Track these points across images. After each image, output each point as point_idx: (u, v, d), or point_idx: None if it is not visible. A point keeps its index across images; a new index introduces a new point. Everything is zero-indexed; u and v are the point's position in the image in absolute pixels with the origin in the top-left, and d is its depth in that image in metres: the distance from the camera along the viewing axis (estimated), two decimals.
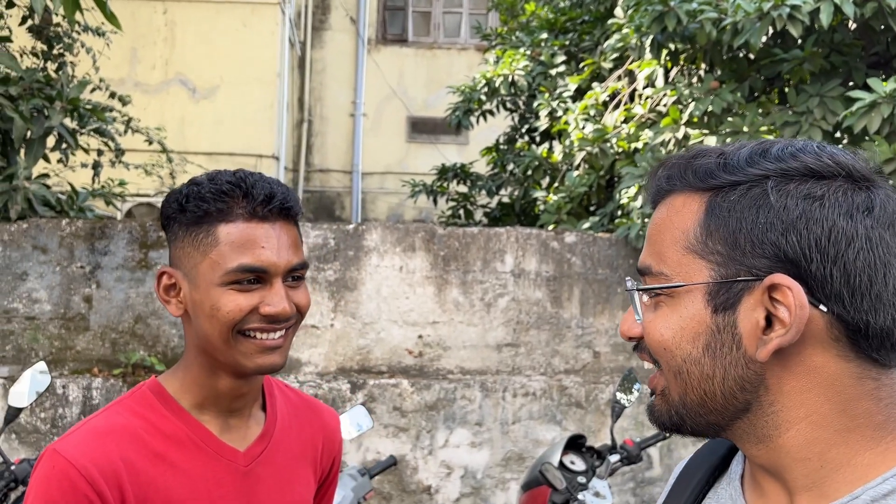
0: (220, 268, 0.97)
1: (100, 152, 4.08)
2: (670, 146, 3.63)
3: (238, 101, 8.18)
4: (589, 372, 3.73)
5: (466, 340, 3.68)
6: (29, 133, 3.58)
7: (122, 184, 4.55)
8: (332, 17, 9.92)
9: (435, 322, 3.66)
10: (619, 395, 2.83)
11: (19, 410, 2.31)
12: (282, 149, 8.76)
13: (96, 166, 4.05)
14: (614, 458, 2.74)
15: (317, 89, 9.84)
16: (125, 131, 4.53)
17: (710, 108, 3.51)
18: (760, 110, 3.59)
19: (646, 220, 3.61)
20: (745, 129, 3.48)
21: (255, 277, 0.98)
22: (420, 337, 3.65)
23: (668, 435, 2.98)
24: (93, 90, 3.96)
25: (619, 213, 4.00)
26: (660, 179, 0.73)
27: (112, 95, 4.05)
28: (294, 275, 1.02)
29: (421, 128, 9.70)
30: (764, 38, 3.75)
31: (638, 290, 0.72)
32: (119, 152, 4.07)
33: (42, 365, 2.34)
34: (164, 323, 3.51)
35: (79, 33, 3.92)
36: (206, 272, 0.98)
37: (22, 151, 3.62)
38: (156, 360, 3.43)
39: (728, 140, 3.53)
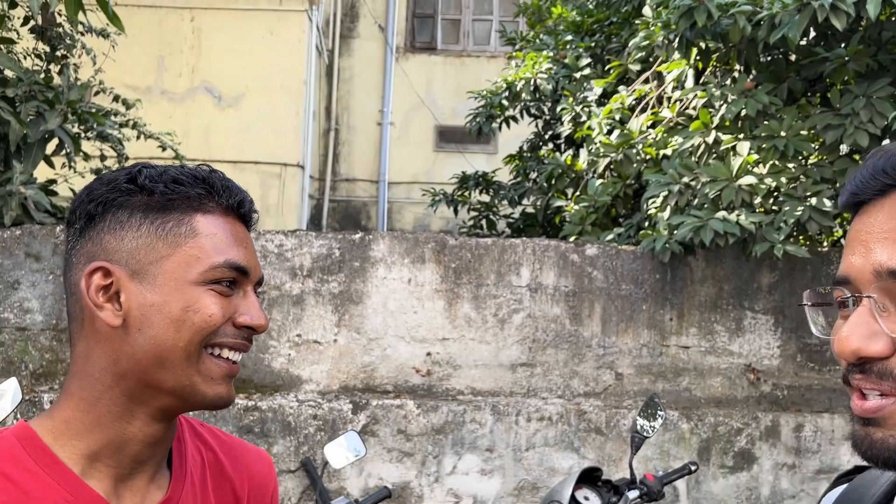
0: (200, 263, 0.81)
1: (103, 157, 3.95)
2: (700, 151, 3.36)
3: (264, 109, 8.09)
4: (610, 395, 3.46)
5: (478, 359, 3.44)
6: (27, 137, 3.46)
7: None
8: (361, 25, 9.82)
9: (444, 339, 3.43)
10: (641, 423, 2.58)
11: None
12: (307, 158, 8.65)
13: (98, 172, 3.92)
14: (633, 493, 2.49)
15: (344, 98, 9.73)
16: (137, 137, 4.41)
17: (743, 111, 3.24)
18: (800, 113, 3.30)
19: (674, 231, 3.33)
20: (783, 133, 3.19)
21: (233, 282, 0.84)
22: (428, 354, 3.42)
23: (694, 469, 2.71)
24: (96, 93, 3.84)
25: (647, 224, 3.74)
26: None
27: (115, 99, 3.93)
28: (258, 289, 0.88)
29: (449, 136, 9.51)
30: (805, 41, 3.47)
31: None
32: (123, 157, 3.94)
33: (13, 381, 2.19)
34: None
35: (82, 34, 3.81)
36: (177, 268, 0.81)
37: (20, 156, 3.50)
38: None
39: (763, 146, 3.25)
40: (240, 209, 0.87)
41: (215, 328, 0.81)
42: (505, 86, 4.71)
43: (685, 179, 3.28)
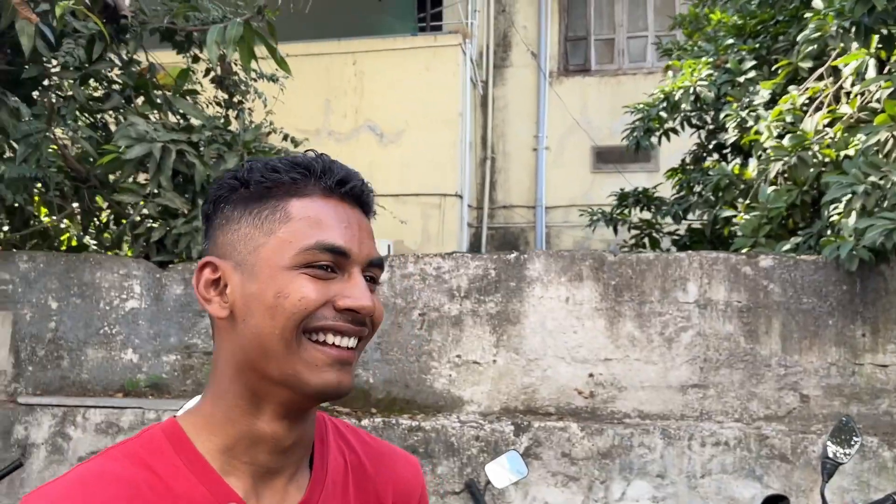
0: (291, 247, 0.78)
1: None
2: (888, 148, 3.03)
3: (423, 142, 8.37)
4: (796, 419, 3.16)
5: (644, 380, 3.28)
6: (210, 177, 3.78)
7: None
8: (514, 54, 9.92)
9: (607, 359, 3.30)
10: (832, 449, 2.33)
11: None
12: (465, 187, 8.81)
13: None
14: None
15: (499, 126, 9.83)
16: None
17: None
18: None
19: (861, 236, 3.02)
20: None
21: (332, 265, 0.79)
22: (591, 375, 3.31)
23: None
24: (268, 134, 4.13)
25: (829, 231, 3.41)
26: None
27: (285, 138, 4.20)
28: (371, 274, 0.83)
29: (606, 157, 9.32)
30: None
31: None
32: None
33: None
34: None
35: (254, 80, 4.13)
36: (272, 255, 0.79)
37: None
38: None
39: None
40: (341, 188, 0.82)
41: (308, 312, 0.77)
42: (662, 97, 4.52)
43: (872, 179, 2.97)
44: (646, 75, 9.47)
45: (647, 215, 5.43)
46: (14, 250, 3.84)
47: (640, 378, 3.27)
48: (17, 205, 3.81)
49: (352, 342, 0.80)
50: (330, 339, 0.78)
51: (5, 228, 4.18)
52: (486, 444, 3.15)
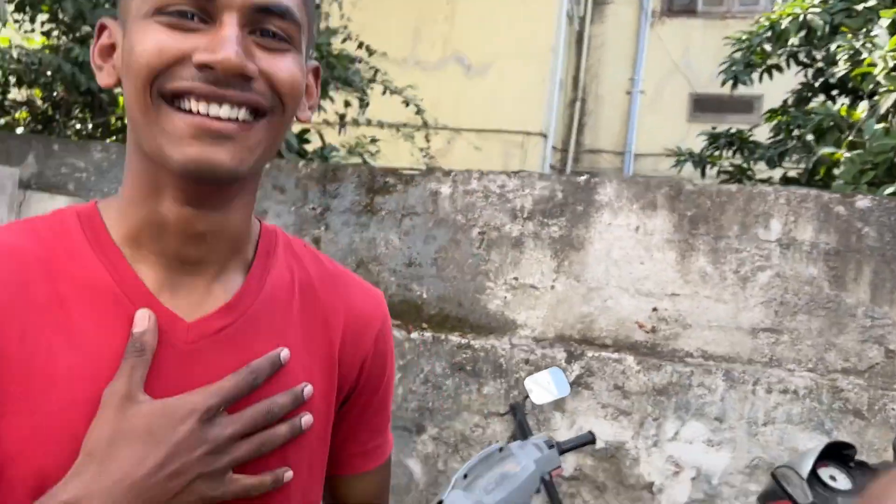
0: None
1: (346, 104, 4.15)
2: None
3: (511, 77, 8.11)
4: (877, 375, 2.89)
5: (712, 319, 3.06)
6: None
7: (373, 141, 4.63)
8: None
9: (674, 294, 3.10)
10: None
11: None
12: (551, 127, 8.54)
13: (342, 118, 4.12)
14: None
15: (593, 66, 9.43)
16: (383, 92, 4.61)
17: None
18: None
19: None
20: None
21: (195, 12, 0.64)
22: (654, 310, 3.12)
23: None
24: (343, 41, 4.03)
25: None
26: None
27: (360, 46, 4.10)
28: (268, 27, 0.66)
29: (705, 105, 8.81)
30: None
31: None
32: (364, 104, 4.10)
33: None
34: (385, 269, 3.42)
35: None
36: (135, 3, 0.66)
37: None
38: None
39: None
40: None
41: (154, 69, 0.63)
42: (768, 25, 4.14)
43: None
44: (757, 19, 8.85)
45: (739, 160, 5.08)
46: (91, 140, 3.93)
47: (707, 317, 3.06)
48: (94, 94, 3.88)
49: (226, 111, 0.64)
50: (194, 105, 0.64)
51: (81, 118, 4.28)
52: (535, 368, 3.03)
